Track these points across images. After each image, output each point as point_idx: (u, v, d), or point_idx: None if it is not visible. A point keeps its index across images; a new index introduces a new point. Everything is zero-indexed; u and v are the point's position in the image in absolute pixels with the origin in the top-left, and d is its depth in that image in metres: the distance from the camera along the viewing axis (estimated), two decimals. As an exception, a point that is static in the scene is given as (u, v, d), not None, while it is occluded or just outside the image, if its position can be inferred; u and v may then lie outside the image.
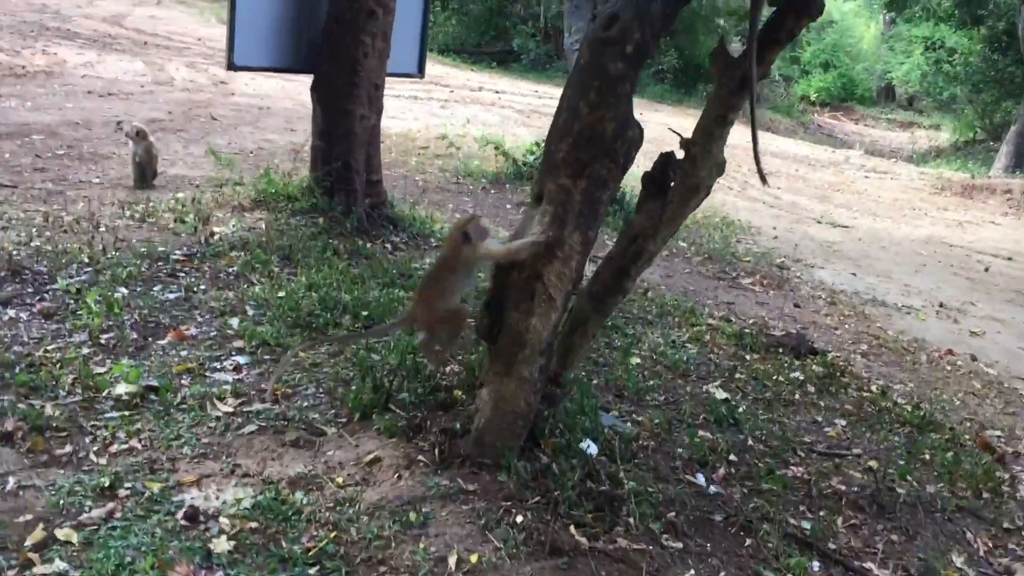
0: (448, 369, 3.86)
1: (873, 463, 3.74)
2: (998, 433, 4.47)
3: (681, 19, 23.02)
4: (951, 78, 24.20)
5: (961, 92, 24.20)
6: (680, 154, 3.15)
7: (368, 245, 5.78)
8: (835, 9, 30.90)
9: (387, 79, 6.36)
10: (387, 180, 7.91)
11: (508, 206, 7.85)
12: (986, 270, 8.43)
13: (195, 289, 4.54)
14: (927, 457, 3.89)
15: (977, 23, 22.62)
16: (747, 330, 5.37)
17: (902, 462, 3.78)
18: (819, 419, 4.20)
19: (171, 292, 4.47)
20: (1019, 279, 8.27)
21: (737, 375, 4.55)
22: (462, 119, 13.22)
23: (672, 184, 3.16)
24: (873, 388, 4.76)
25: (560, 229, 2.90)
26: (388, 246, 5.92)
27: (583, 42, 2.79)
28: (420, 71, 6.78)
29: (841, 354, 5.34)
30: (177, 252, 5.02)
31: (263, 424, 3.30)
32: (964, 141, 23.67)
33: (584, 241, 2.94)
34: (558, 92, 12.17)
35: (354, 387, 3.59)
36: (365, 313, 4.42)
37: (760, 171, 3.09)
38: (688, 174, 3.09)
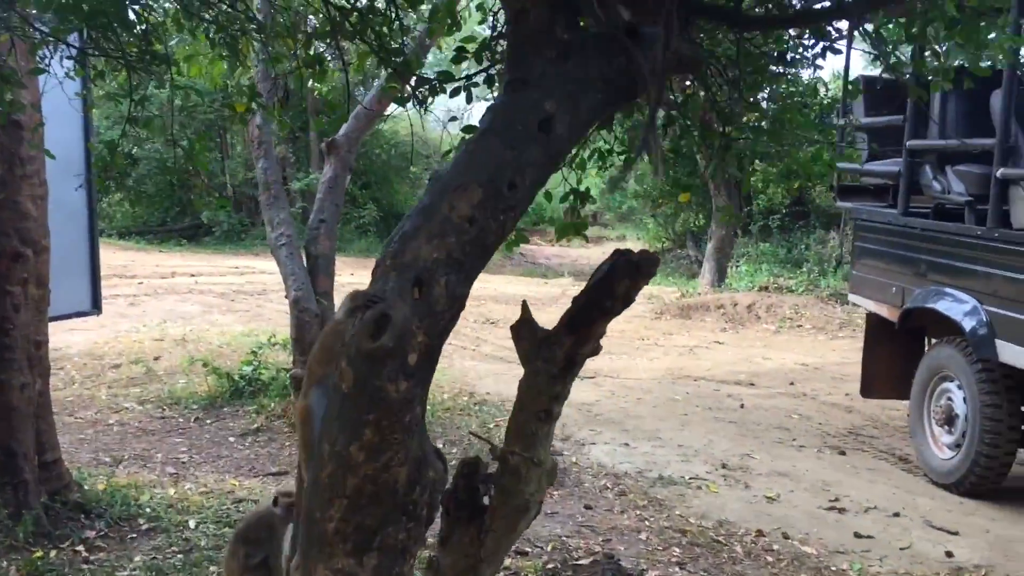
0: None
1: None
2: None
3: (375, 171, 22.92)
4: (627, 193, 25.76)
5: (638, 204, 25.76)
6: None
7: (53, 554, 4.36)
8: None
9: (54, 324, 5.07)
10: (72, 432, 6.44)
11: (231, 438, 6.58)
12: (741, 406, 8.27)
13: None
14: None
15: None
16: (551, 564, 4.53)
17: None
18: None
19: None
20: (772, 411, 8.16)
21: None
22: (157, 317, 11.69)
23: (487, 504, 2.25)
24: (715, 620, 4.06)
25: (348, 635, 1.88)
26: (81, 548, 4.50)
27: (345, 361, 1.84)
28: (96, 306, 5.50)
29: (658, 569, 4.63)
30: None
31: None
32: (655, 252, 25.05)
33: (387, 645, 1.93)
34: (259, 264, 10.98)
35: None
36: None
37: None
38: (511, 492, 2.20)
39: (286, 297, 7.18)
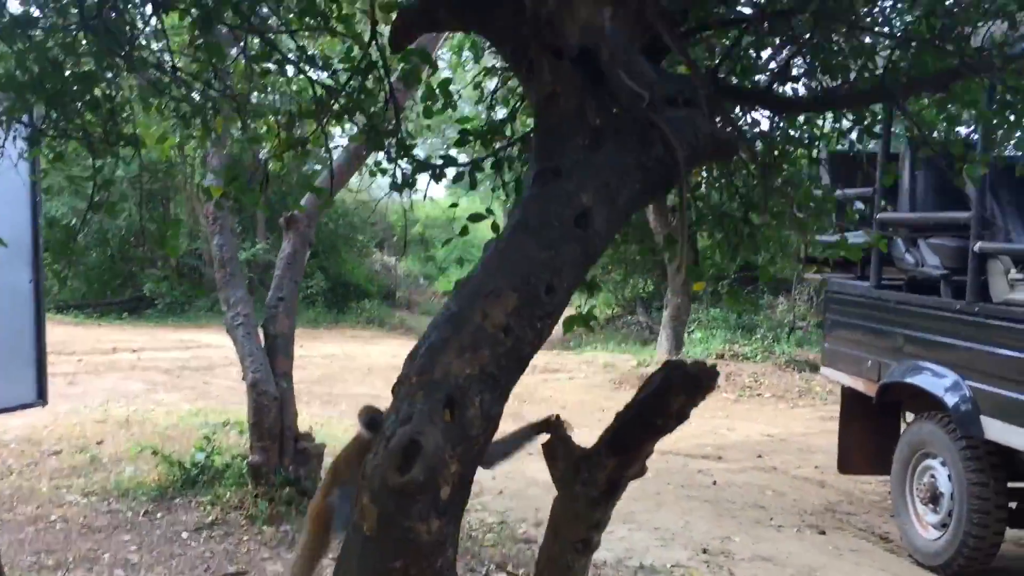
0: None
1: None
2: None
3: (322, 240, 22.63)
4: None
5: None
6: None
7: None
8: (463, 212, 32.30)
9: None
10: (11, 531, 6.04)
11: (184, 533, 6.15)
12: (714, 483, 8.08)
13: None
14: None
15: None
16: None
17: None
18: None
19: None
20: (745, 487, 7.99)
21: None
22: (99, 397, 11.16)
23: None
24: None
25: None
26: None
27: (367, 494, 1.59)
28: (42, 396, 5.12)
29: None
30: None
31: None
32: (606, 318, 24.97)
33: None
34: (204, 338, 10.57)
35: None
36: None
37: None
38: (545, 634, 1.95)
39: (243, 379, 6.84)
